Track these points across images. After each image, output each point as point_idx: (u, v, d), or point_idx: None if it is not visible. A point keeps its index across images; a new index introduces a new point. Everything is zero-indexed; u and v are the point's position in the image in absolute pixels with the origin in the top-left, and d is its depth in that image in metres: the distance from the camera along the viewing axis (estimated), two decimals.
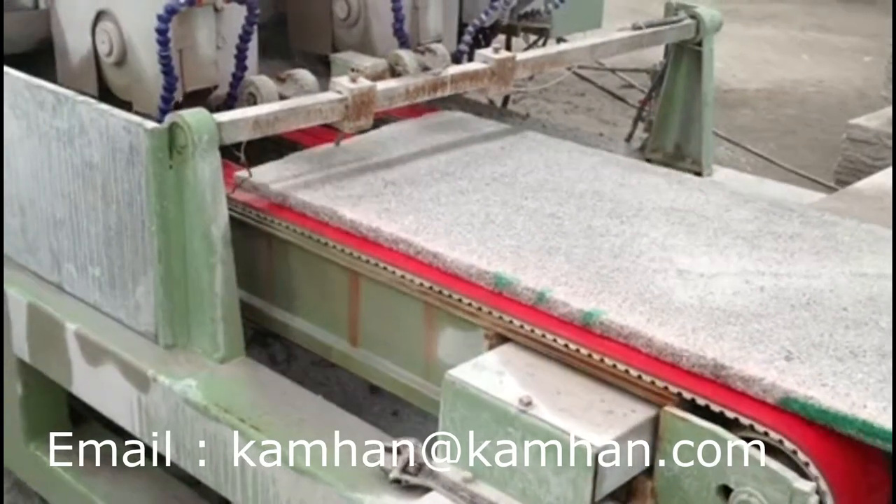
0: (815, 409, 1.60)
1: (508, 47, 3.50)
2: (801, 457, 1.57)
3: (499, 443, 1.74)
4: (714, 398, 1.66)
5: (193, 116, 2.10)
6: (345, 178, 2.46)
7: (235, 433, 2.01)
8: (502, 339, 1.94)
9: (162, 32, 2.42)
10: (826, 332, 1.80)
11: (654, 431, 1.70)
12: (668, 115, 3.17)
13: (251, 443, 1.99)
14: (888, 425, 1.55)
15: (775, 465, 1.55)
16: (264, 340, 3.44)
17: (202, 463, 2.11)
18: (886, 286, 2.00)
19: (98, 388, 2.35)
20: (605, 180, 2.48)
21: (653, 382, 1.72)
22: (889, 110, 5.35)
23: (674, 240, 2.17)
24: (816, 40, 9.03)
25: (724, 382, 1.68)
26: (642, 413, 1.71)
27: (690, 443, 1.63)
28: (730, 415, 1.64)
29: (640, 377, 1.73)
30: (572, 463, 1.64)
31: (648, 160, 3.06)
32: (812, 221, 2.31)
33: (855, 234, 2.25)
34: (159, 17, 2.41)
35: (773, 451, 1.59)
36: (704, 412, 1.66)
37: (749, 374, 1.67)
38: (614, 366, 1.77)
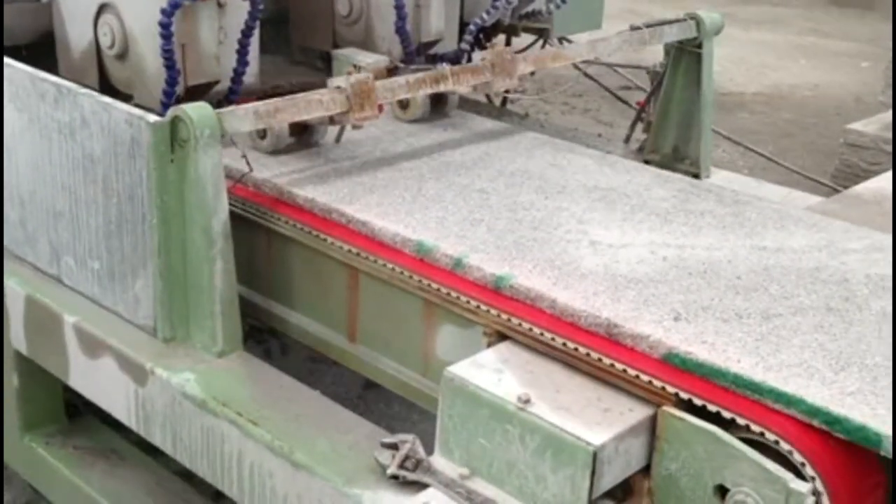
0: (693, 362, 1.71)
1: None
2: (798, 458, 1.58)
3: (497, 440, 1.74)
4: (712, 399, 1.67)
5: (195, 110, 2.10)
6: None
7: (233, 427, 2.01)
8: (501, 337, 1.95)
9: (165, 27, 2.43)
10: (716, 297, 1.94)
11: (652, 430, 1.70)
12: (667, 117, 3.18)
13: (248, 437, 1.99)
14: (758, 377, 1.66)
15: (772, 466, 1.55)
16: (260, 336, 3.44)
17: (199, 457, 2.12)
18: (782, 258, 2.13)
19: (95, 380, 2.35)
20: (537, 160, 2.63)
21: (650, 382, 1.72)
22: (887, 115, 5.37)
23: (592, 214, 2.30)
24: (814, 45, 9.06)
25: (616, 340, 1.81)
26: (640, 412, 1.72)
27: (688, 442, 1.64)
28: (728, 415, 1.64)
29: (638, 377, 1.74)
30: (570, 461, 1.64)
31: (647, 161, 3.07)
32: (725, 200, 2.44)
33: (763, 213, 2.38)
34: (163, 11, 2.42)
35: (770, 451, 1.59)
36: (702, 412, 1.67)
37: (638, 332, 1.80)
38: (616, 367, 1.78)
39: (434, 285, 2.07)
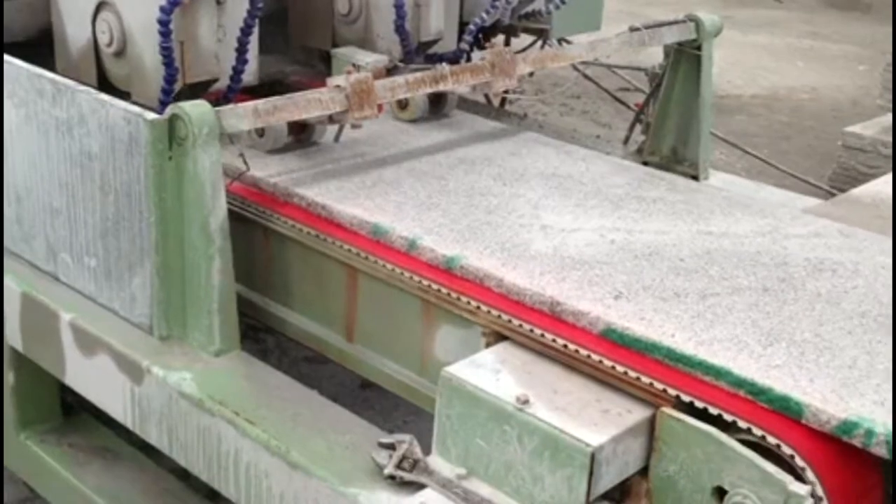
0: (630, 337, 1.80)
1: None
2: (798, 460, 1.57)
3: (494, 440, 1.74)
4: (711, 400, 1.66)
5: (194, 108, 2.09)
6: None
7: (229, 426, 2.01)
8: (500, 338, 1.95)
9: (164, 24, 2.42)
10: (658, 278, 2.02)
11: (650, 432, 1.70)
12: (666, 119, 3.17)
13: (245, 436, 1.98)
14: (689, 351, 1.74)
15: (771, 468, 1.55)
16: (256, 335, 3.44)
17: (195, 456, 2.11)
18: (725, 242, 2.21)
19: (91, 378, 2.34)
20: (499, 149, 2.70)
21: (651, 384, 1.72)
22: (885, 119, 5.37)
23: (546, 200, 2.38)
24: (811, 48, 9.07)
25: (558, 317, 1.89)
26: (638, 413, 1.72)
27: (686, 444, 1.64)
28: (726, 417, 1.64)
29: (637, 378, 1.74)
30: (568, 462, 1.64)
31: (645, 163, 3.06)
32: (677, 188, 2.53)
33: (713, 200, 2.46)
34: (162, 9, 2.41)
35: (769, 454, 1.59)
36: (701, 414, 1.67)
37: (579, 309, 1.88)
38: (613, 367, 1.78)
39: (432, 285, 2.07)
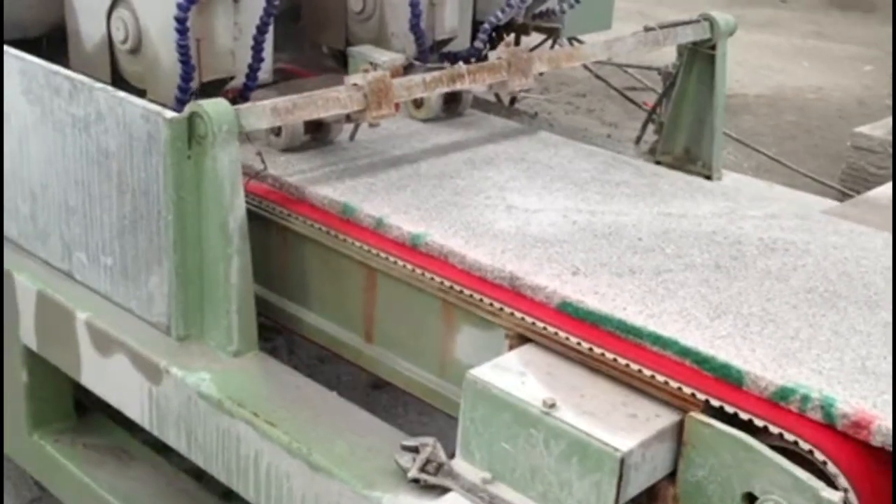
0: (584, 310, 1.87)
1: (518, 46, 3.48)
2: (830, 467, 1.56)
3: (520, 444, 1.72)
4: (741, 405, 1.65)
5: (213, 106, 2.07)
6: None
7: (249, 428, 1.99)
8: (523, 340, 1.93)
9: (181, 21, 2.41)
10: (615, 256, 2.09)
11: (678, 436, 1.68)
12: (679, 118, 3.15)
13: (265, 438, 1.96)
14: (639, 323, 1.81)
15: (802, 474, 1.53)
16: (268, 333, 3.42)
17: (214, 457, 2.09)
18: (684, 223, 2.28)
19: (107, 378, 2.32)
20: (473, 136, 2.77)
21: (679, 388, 1.71)
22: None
23: (513, 183, 2.45)
24: (817, 48, 9.05)
25: (517, 291, 1.96)
26: (666, 418, 1.70)
27: (715, 449, 1.62)
28: (757, 422, 1.62)
29: (665, 382, 1.72)
30: (597, 467, 1.62)
31: (658, 163, 3.05)
32: (642, 172, 2.62)
33: (675, 185, 2.55)
34: (179, 6, 2.40)
35: (800, 459, 1.58)
36: (730, 419, 1.65)
37: (536, 284, 1.95)
38: (639, 370, 1.76)
39: (456, 287, 2.05)
